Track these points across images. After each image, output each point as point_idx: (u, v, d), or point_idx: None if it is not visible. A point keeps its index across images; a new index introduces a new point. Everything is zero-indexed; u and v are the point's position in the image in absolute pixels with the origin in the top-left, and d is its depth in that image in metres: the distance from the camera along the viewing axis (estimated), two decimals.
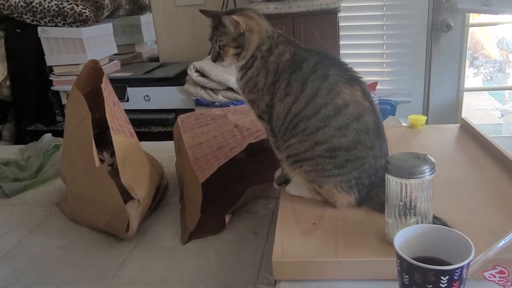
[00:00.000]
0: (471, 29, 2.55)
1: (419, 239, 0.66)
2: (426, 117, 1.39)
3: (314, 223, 0.90)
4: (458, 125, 1.40)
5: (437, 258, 0.65)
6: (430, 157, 0.77)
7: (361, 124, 0.90)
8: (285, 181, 1.05)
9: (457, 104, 2.65)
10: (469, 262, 0.59)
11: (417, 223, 0.77)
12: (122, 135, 1.21)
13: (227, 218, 1.20)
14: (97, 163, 1.11)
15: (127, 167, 1.15)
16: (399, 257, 0.61)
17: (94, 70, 1.27)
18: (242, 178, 1.32)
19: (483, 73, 4.18)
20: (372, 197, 0.92)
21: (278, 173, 1.10)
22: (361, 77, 0.95)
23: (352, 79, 0.93)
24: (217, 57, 0.98)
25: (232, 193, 1.26)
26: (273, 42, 0.96)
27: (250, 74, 0.97)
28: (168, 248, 1.14)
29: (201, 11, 1.01)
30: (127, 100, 2.40)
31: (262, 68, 0.96)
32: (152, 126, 2.41)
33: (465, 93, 2.64)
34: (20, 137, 2.60)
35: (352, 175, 0.91)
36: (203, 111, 1.52)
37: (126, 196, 1.13)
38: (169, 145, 1.83)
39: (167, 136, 2.40)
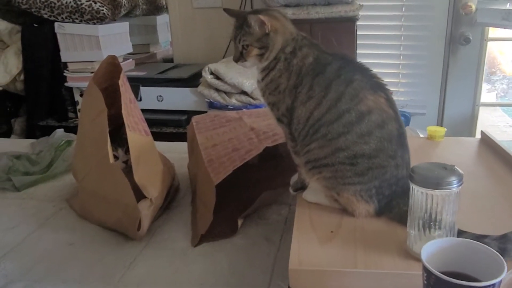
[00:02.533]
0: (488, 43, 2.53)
1: (446, 253, 0.64)
2: (446, 129, 1.36)
3: (332, 231, 0.87)
4: (478, 138, 1.37)
5: (464, 274, 0.62)
6: (457, 168, 0.74)
7: (384, 132, 0.87)
8: (302, 187, 1.03)
9: (472, 118, 2.61)
10: (502, 279, 0.56)
11: (442, 237, 0.75)
12: (137, 132, 1.19)
13: (239, 222, 1.17)
14: (111, 159, 1.10)
15: (141, 165, 1.14)
16: (426, 270, 0.59)
17: (112, 66, 1.26)
18: (256, 183, 1.29)
19: (498, 89, 4.14)
20: (392, 208, 0.90)
21: (294, 178, 1.08)
22: (386, 84, 0.92)
23: (377, 85, 0.90)
24: (240, 57, 0.96)
25: (245, 198, 1.24)
26: (297, 45, 0.94)
27: (272, 75, 0.95)
28: (178, 250, 1.12)
29: (225, 10, 0.99)
30: (140, 100, 2.39)
31: (284, 70, 0.94)
32: (164, 126, 2.40)
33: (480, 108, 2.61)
34: (31, 132, 2.60)
35: (372, 184, 0.89)
36: (218, 112, 1.50)
37: (138, 194, 1.11)
38: (181, 146, 1.82)
39: (178, 137, 2.40)
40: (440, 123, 2.64)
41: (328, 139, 0.89)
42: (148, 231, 1.16)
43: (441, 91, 2.59)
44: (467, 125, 2.62)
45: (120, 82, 1.19)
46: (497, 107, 4.18)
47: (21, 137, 2.62)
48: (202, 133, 1.35)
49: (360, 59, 2.37)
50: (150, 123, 2.40)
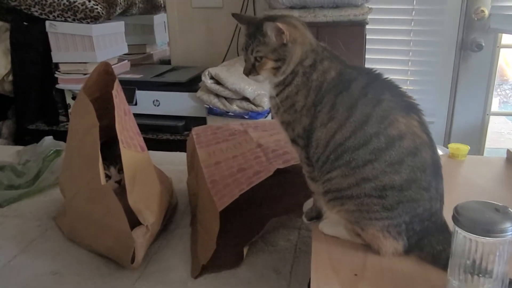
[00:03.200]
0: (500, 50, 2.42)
1: None
2: (469, 147, 1.25)
3: (355, 274, 0.76)
4: (504, 157, 1.26)
5: None
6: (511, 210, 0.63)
7: (417, 160, 0.76)
8: (317, 216, 0.91)
9: (482, 128, 2.51)
10: None
11: None
12: (132, 149, 1.07)
13: (245, 250, 1.06)
14: (103, 181, 0.97)
15: (136, 187, 1.02)
16: None
17: (105, 74, 1.14)
18: (265, 201, 1.18)
19: (500, 95, 4.05)
20: (423, 246, 0.78)
21: (308, 205, 0.96)
22: (418, 104, 0.81)
23: (409, 106, 0.79)
24: (251, 70, 0.84)
25: (252, 221, 1.13)
26: (317, 57, 0.83)
27: (288, 92, 0.83)
28: (176, 282, 1.01)
29: (233, 15, 0.88)
30: (136, 104, 2.26)
31: (303, 86, 0.82)
32: (160, 133, 2.27)
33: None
34: (20, 136, 2.46)
35: (402, 219, 0.77)
36: (220, 124, 1.38)
37: (133, 218, 0.99)
38: (179, 157, 1.70)
39: (175, 144, 2.28)
40: (448, 132, 2.53)
41: (352, 167, 0.77)
42: (142, 258, 1.04)
43: (451, 99, 2.48)
44: (476, 134, 2.51)
45: (114, 92, 1.07)
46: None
47: (9, 141, 2.48)
48: (204, 148, 1.23)
49: (367, 65, 2.27)
50: (146, 128, 2.30)
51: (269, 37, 0.80)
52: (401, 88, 0.82)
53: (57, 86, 2.33)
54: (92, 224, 1.05)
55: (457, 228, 0.64)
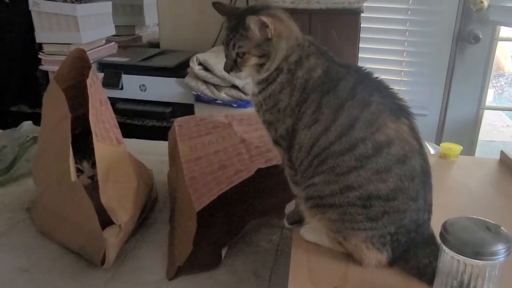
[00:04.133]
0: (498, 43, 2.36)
1: None
2: (462, 148, 1.20)
3: (335, 287, 0.71)
4: (497, 158, 1.21)
5: None
6: (504, 229, 0.58)
7: (405, 168, 0.71)
8: (299, 220, 0.86)
9: (476, 122, 2.46)
10: None
11: None
12: (107, 142, 1.01)
13: (224, 251, 1.01)
14: (73, 176, 0.92)
15: (110, 183, 0.96)
16: None
17: (79, 61, 1.07)
18: (245, 199, 1.13)
19: (496, 86, 4.01)
20: (408, 259, 0.74)
21: (290, 207, 0.91)
22: (409, 107, 0.75)
23: (399, 109, 0.74)
24: (233, 67, 0.78)
25: (231, 221, 1.08)
26: (303, 53, 0.77)
27: (272, 90, 0.77)
28: (150, 283, 0.96)
29: (214, 4, 0.81)
30: (121, 88, 2.19)
31: (287, 84, 0.76)
32: (146, 119, 2.21)
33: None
34: (1, 118, 2.39)
35: (387, 230, 0.73)
36: (204, 116, 1.32)
37: (106, 216, 0.94)
38: (162, 146, 1.64)
39: (161, 131, 2.21)
40: (441, 125, 2.49)
41: (336, 174, 0.72)
42: (117, 256, 0.99)
43: (445, 92, 2.42)
44: (469, 128, 2.47)
45: (88, 81, 1.01)
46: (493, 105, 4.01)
47: None
48: (185, 141, 1.17)
49: (361, 54, 2.21)
50: (131, 114, 2.24)
51: (252, 31, 0.74)
52: (391, 89, 0.76)
53: (40, 67, 2.25)
54: (63, 221, 1.00)
55: (444, 247, 0.60)
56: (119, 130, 1.10)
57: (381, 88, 0.75)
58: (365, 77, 0.76)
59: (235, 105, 2.04)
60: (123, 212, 0.95)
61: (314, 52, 0.77)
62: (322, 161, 0.73)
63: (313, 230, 0.82)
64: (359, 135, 0.70)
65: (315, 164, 0.74)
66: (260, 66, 0.76)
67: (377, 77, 0.77)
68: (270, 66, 0.76)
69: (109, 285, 0.95)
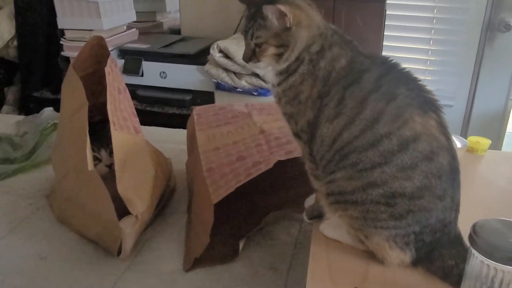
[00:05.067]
0: None
1: None
2: (490, 142, 1.15)
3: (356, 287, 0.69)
4: None
5: None
6: None
7: (432, 165, 0.67)
8: (319, 215, 0.84)
9: (504, 114, 2.37)
10: None
11: None
12: (124, 131, 1.00)
13: (241, 244, 0.99)
14: (90, 166, 0.91)
15: (126, 172, 0.95)
16: None
17: (98, 48, 1.06)
18: (264, 191, 1.11)
19: None
20: (433, 259, 0.71)
21: (310, 201, 0.89)
22: (438, 101, 0.72)
23: (427, 103, 0.70)
24: (252, 57, 0.75)
25: (250, 212, 1.06)
26: (325, 42, 0.73)
27: (292, 81, 0.74)
28: (166, 274, 0.95)
29: None
30: (142, 75, 2.18)
31: (308, 75, 0.73)
32: (166, 106, 2.20)
33: None
34: (25, 103, 2.41)
35: (411, 229, 0.69)
36: (223, 105, 1.30)
37: (123, 205, 0.93)
38: (182, 134, 1.63)
39: (182, 119, 2.20)
40: (467, 116, 2.41)
41: (358, 170, 0.69)
42: (133, 246, 0.99)
43: (472, 82, 2.34)
44: (497, 120, 2.39)
45: (107, 69, 1.00)
46: None
47: (14, 108, 2.43)
48: (203, 131, 1.15)
49: (385, 42, 2.14)
50: (152, 101, 2.23)
51: (270, 21, 0.70)
52: (419, 81, 0.72)
53: (62, 53, 2.25)
54: (80, 209, 1.00)
55: (473, 251, 0.56)
56: (137, 119, 1.09)
57: (408, 80, 0.71)
58: (391, 68, 0.72)
59: (255, 93, 2.01)
60: (140, 202, 0.94)
61: (337, 42, 0.74)
62: (344, 156, 0.70)
63: (333, 226, 0.80)
64: (384, 130, 0.67)
65: (337, 159, 0.71)
66: (279, 56, 0.73)
67: (404, 68, 0.73)
68: (289, 56, 0.73)
69: (125, 274, 0.95)
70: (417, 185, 0.67)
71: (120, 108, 1.03)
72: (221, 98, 2.07)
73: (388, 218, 0.69)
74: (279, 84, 0.76)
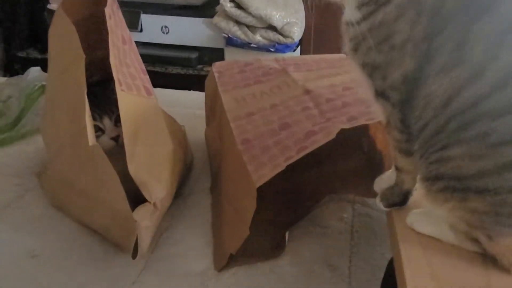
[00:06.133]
0: None
1: None
2: None
3: None
4: None
5: None
6: None
7: None
8: (401, 202, 0.63)
9: None
10: None
11: None
12: (134, 92, 0.77)
13: (286, 235, 0.79)
14: (91, 139, 0.68)
15: (139, 147, 0.73)
16: None
17: None
18: (312, 162, 0.89)
19: None
20: None
21: (382, 182, 0.68)
22: None
23: None
24: None
25: (298, 193, 0.85)
26: None
27: (384, 15, 0.51)
28: (193, 276, 0.74)
29: None
30: (141, 31, 1.94)
31: (409, 6, 0.50)
32: (169, 65, 1.96)
33: None
34: (10, 64, 2.16)
35: None
36: (249, 60, 1.06)
37: (136, 191, 0.71)
38: (194, 97, 1.40)
39: (187, 80, 1.96)
40: None
41: (490, 145, 0.47)
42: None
43: None
44: None
45: (107, 11, 0.76)
46: None
47: None
48: (229, 92, 0.93)
49: None
50: (152, 60, 1.98)
51: None
52: None
53: (48, 6, 1.98)
54: (80, 194, 0.78)
55: None
56: (147, 76, 0.86)
57: None
58: None
59: (272, 50, 1.77)
60: (158, 186, 0.72)
61: None
62: (465, 125, 0.48)
63: (428, 218, 0.59)
64: None
65: (452, 128, 0.49)
66: None
67: None
68: None
69: (141, 277, 0.74)
70: None
71: (126, 63, 0.79)
72: (232, 56, 1.84)
73: None
74: (361, 20, 0.53)
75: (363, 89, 0.59)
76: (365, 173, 0.88)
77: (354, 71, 0.60)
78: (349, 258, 0.77)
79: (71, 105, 0.73)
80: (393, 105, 0.55)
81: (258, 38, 1.77)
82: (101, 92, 0.82)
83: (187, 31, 1.91)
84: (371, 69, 0.55)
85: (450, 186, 0.51)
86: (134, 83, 0.79)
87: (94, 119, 0.77)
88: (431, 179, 0.53)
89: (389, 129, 0.58)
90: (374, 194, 0.69)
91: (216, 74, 1.01)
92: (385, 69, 0.54)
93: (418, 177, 0.58)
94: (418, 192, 0.63)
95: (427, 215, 0.59)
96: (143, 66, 0.86)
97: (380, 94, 0.56)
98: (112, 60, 0.73)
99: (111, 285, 0.73)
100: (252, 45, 1.78)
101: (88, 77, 0.74)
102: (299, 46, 1.85)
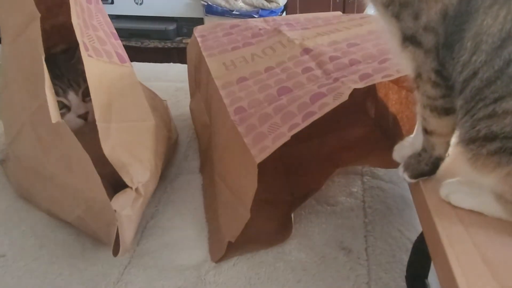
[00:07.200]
0: None
1: None
2: None
3: None
4: None
5: None
6: None
7: None
8: (430, 171, 0.53)
9: None
10: None
11: None
12: (103, 59, 0.65)
13: (292, 216, 0.69)
14: (55, 116, 0.56)
15: (114, 123, 0.61)
16: None
17: None
18: (314, 132, 0.78)
19: None
20: None
21: (402, 149, 0.58)
22: None
23: None
24: None
25: (299, 177, 0.75)
26: None
27: None
28: (188, 269, 0.64)
29: None
30: (112, 2, 1.80)
31: None
32: (145, 39, 1.82)
33: None
34: None
35: None
36: (235, 22, 0.94)
37: (112, 171, 0.60)
38: (175, 69, 1.29)
39: (165, 53, 1.83)
40: None
41: None
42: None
43: None
44: None
45: None
46: None
47: None
48: (215, 57, 0.81)
49: None
50: (126, 34, 1.84)
51: None
52: None
53: None
54: (47, 181, 0.66)
55: None
56: (119, 41, 0.73)
57: None
58: None
59: (256, 16, 1.65)
60: (140, 167, 0.61)
61: None
62: None
63: (468, 189, 0.49)
64: None
65: (509, 76, 0.39)
66: None
67: None
68: None
69: (125, 275, 0.63)
70: None
71: (93, 25, 0.67)
72: None
73: None
74: None
75: (385, 39, 0.48)
76: (375, 141, 0.78)
77: (360, 25, 0.49)
78: (365, 238, 0.68)
79: (28, 76, 0.60)
80: (427, 52, 0.45)
81: (240, 4, 1.64)
82: (65, 63, 0.70)
83: (163, 1, 1.77)
84: (398, 7, 0.44)
85: (506, 147, 0.41)
86: (103, 48, 0.67)
87: (57, 94, 0.65)
88: (479, 140, 0.43)
89: (420, 84, 0.48)
90: (389, 164, 0.60)
91: (199, 39, 0.89)
92: (418, 5, 0.43)
93: (456, 140, 0.48)
94: (451, 159, 0.53)
95: (467, 185, 0.49)
96: (114, 30, 0.74)
97: (410, 39, 0.45)
98: (75, 20, 0.60)
99: (93, 285, 0.62)
100: (234, 12, 1.66)
101: (50, 47, 0.62)
102: (284, 12, 1.73)
